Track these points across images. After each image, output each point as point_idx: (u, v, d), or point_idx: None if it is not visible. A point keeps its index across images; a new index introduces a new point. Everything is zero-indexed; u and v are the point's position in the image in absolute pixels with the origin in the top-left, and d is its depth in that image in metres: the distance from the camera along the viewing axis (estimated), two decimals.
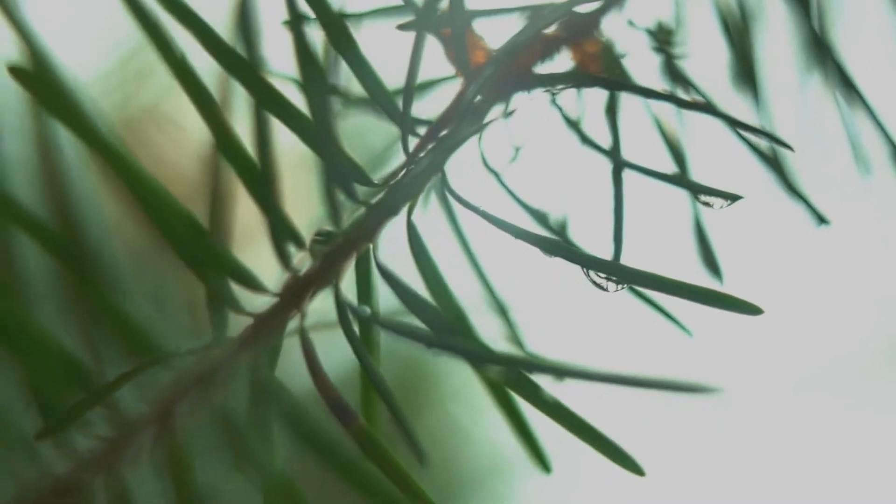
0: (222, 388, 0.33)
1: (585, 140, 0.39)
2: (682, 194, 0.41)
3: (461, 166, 0.39)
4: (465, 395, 0.92)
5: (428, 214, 0.39)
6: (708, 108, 0.37)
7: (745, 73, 0.43)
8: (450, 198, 0.37)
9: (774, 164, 0.40)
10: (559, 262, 0.38)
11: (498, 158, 0.40)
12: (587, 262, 0.35)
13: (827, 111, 0.45)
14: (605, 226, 0.39)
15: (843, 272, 0.99)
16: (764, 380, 1.01)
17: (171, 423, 0.33)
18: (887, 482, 0.98)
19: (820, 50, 0.43)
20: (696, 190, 0.36)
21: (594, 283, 0.36)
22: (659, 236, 0.42)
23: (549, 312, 0.45)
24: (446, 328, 0.33)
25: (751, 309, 0.34)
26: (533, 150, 0.41)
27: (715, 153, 0.43)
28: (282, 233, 0.33)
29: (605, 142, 0.40)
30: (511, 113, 0.38)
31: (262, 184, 0.33)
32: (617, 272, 0.35)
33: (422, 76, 0.41)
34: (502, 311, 0.37)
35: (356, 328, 0.34)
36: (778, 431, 1.01)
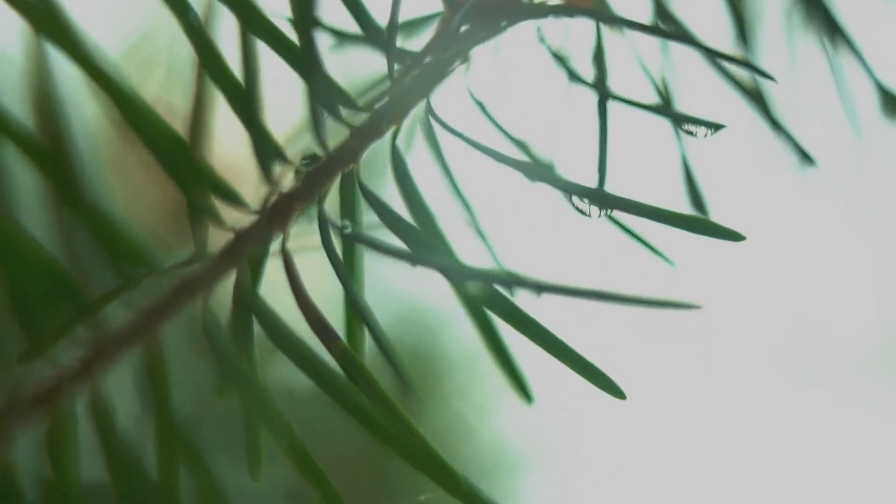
0: (204, 302, 0.33)
1: (571, 73, 0.39)
2: (667, 133, 0.41)
3: (447, 99, 0.39)
4: (468, 393, 0.92)
5: (413, 144, 0.39)
6: (691, 40, 0.37)
7: (735, 18, 0.43)
8: (434, 125, 0.37)
9: (759, 100, 0.40)
10: (541, 192, 0.38)
11: (484, 91, 0.40)
12: (569, 188, 0.35)
13: (816, 58, 0.44)
14: (590, 157, 0.39)
15: (844, 266, 0.99)
16: (762, 373, 1.01)
17: (153, 335, 0.33)
18: (886, 479, 0.98)
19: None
20: (680, 119, 0.36)
21: (577, 209, 0.36)
22: (644, 173, 0.42)
23: (530, 241, 0.44)
24: (427, 247, 0.33)
25: (733, 235, 0.34)
26: (519, 83, 0.41)
27: (701, 92, 0.43)
28: (266, 150, 0.33)
29: (590, 76, 0.40)
30: (497, 44, 0.38)
31: (247, 101, 0.33)
32: (597, 197, 0.35)
33: (412, 13, 0.41)
34: (482, 235, 0.37)
35: (338, 249, 0.34)
36: (776, 426, 1.01)
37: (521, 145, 0.39)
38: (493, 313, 0.34)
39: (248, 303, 0.33)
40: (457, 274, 0.34)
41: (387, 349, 0.34)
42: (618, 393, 0.35)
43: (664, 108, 0.37)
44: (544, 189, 0.38)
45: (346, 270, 0.35)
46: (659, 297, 0.31)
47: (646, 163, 0.44)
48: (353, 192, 0.35)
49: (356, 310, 0.35)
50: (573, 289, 0.32)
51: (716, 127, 0.36)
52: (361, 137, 0.35)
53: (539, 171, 0.35)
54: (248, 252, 0.33)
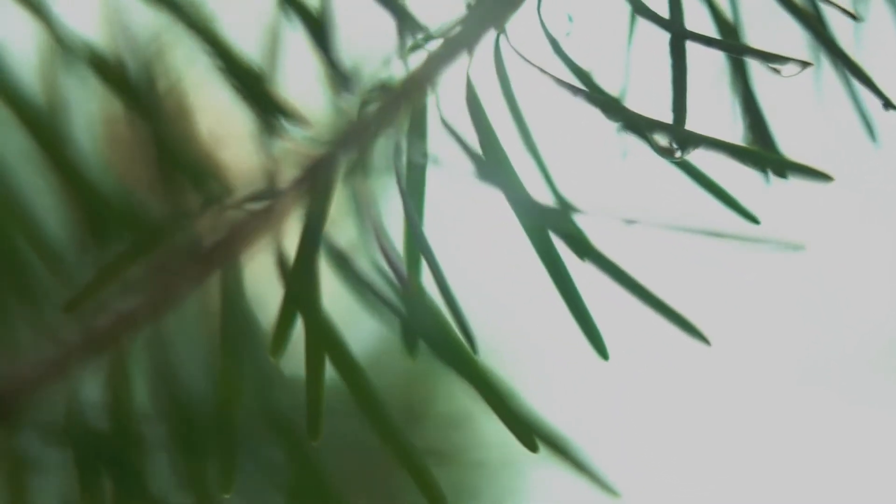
0: (275, 236, 0.32)
1: (642, 8, 0.38)
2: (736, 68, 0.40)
3: (517, 30, 0.38)
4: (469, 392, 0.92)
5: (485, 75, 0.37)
6: None
7: None
8: (506, 58, 0.36)
9: (840, 54, 0.39)
10: (609, 129, 0.36)
11: (554, 24, 0.39)
12: (651, 126, 0.34)
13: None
14: (658, 97, 0.38)
15: (852, 263, 0.98)
16: (768, 373, 1.01)
17: (231, 262, 0.32)
18: (889, 479, 0.98)
19: None
20: (765, 58, 0.35)
21: (658, 149, 0.35)
22: (706, 115, 0.41)
23: (597, 179, 0.43)
24: (497, 177, 0.32)
25: (822, 177, 0.32)
26: (588, 17, 0.40)
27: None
28: (339, 79, 0.32)
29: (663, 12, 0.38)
30: None
31: (321, 30, 0.32)
32: (682, 135, 0.34)
33: None
34: (546, 170, 0.36)
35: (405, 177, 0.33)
36: (781, 425, 1.00)
37: (591, 81, 0.38)
38: (562, 246, 0.33)
39: (318, 235, 0.32)
40: (524, 203, 0.33)
41: (446, 287, 0.33)
42: (703, 339, 0.33)
43: (747, 46, 0.36)
44: (616, 126, 0.36)
45: (414, 203, 0.33)
46: (756, 235, 0.30)
47: (705, 104, 0.43)
48: (424, 122, 0.34)
49: (419, 244, 0.34)
50: (657, 221, 0.31)
51: (804, 64, 0.35)
52: (435, 65, 0.34)
53: (618, 107, 0.34)
54: (319, 183, 0.32)
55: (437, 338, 0.32)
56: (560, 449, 0.31)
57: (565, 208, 0.33)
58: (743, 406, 0.98)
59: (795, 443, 0.99)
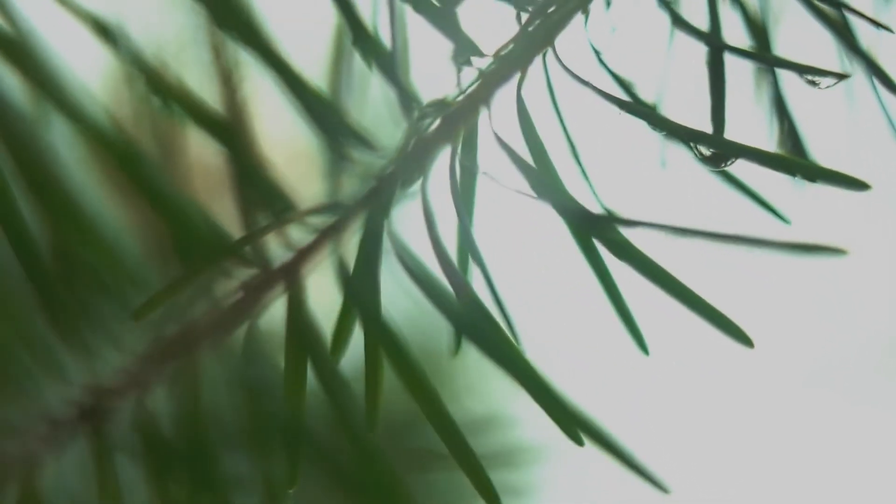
0: (341, 245, 0.34)
1: (681, 22, 0.39)
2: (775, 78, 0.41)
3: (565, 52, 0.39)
4: (480, 391, 0.92)
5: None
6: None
7: None
8: (554, 73, 0.37)
9: (870, 63, 0.40)
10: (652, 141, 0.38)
11: (599, 40, 0.40)
12: (694, 136, 0.36)
13: None
14: (696, 108, 0.40)
15: (856, 267, 0.98)
16: (772, 374, 1.00)
17: (298, 277, 0.34)
18: (893, 479, 0.98)
19: None
20: (802, 70, 0.36)
21: (701, 158, 0.36)
22: (740, 123, 0.42)
23: (641, 191, 0.45)
24: (546, 188, 0.34)
25: (858, 185, 0.34)
26: (631, 35, 0.41)
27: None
28: (406, 100, 0.34)
29: (701, 24, 0.40)
30: None
31: (389, 58, 0.34)
32: (725, 146, 0.35)
33: None
34: (591, 182, 0.37)
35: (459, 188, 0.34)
36: (785, 426, 1.00)
37: (633, 92, 0.39)
38: (608, 251, 0.35)
39: (378, 242, 0.33)
40: (570, 210, 0.34)
41: (498, 293, 0.35)
42: (747, 341, 0.35)
43: (785, 59, 0.37)
44: (659, 136, 0.38)
45: (466, 213, 0.35)
46: (796, 241, 0.31)
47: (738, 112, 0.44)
48: (476, 135, 0.36)
49: (470, 249, 0.36)
50: (697, 231, 0.32)
51: (840, 77, 0.36)
52: (490, 83, 0.36)
53: (662, 119, 0.36)
54: (380, 196, 0.34)
55: (486, 337, 0.34)
56: (606, 443, 0.32)
57: (608, 215, 0.35)
58: (748, 407, 0.99)
59: (800, 443, 0.99)
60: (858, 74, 0.41)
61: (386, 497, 0.30)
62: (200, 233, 0.33)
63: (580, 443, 0.36)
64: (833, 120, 0.43)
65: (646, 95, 0.41)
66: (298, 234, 0.34)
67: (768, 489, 0.97)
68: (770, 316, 0.96)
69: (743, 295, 0.93)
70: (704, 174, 0.40)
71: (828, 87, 0.37)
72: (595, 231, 0.34)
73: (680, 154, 0.39)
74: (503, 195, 0.36)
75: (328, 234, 0.34)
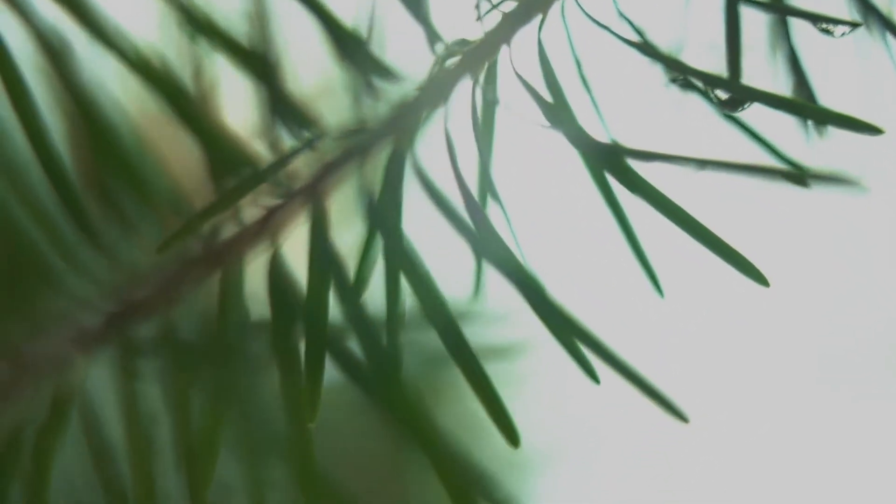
0: (365, 168, 0.35)
1: None
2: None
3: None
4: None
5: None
6: None
7: None
8: (572, 17, 0.38)
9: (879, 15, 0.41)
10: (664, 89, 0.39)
11: None
12: (712, 81, 0.37)
13: None
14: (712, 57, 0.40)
15: (866, 257, 0.98)
16: (782, 371, 1.00)
17: (322, 198, 0.35)
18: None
19: None
20: (816, 19, 0.37)
21: (718, 102, 0.37)
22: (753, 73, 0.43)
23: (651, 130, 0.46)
24: (563, 121, 0.35)
25: (871, 129, 0.35)
26: None
27: None
28: (430, 36, 0.35)
29: None
30: None
31: None
32: (741, 90, 0.36)
33: None
34: (604, 120, 0.38)
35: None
36: (792, 422, 1.00)
37: (647, 39, 0.40)
38: (621, 185, 0.35)
39: (402, 165, 0.35)
40: (585, 143, 0.35)
41: (507, 217, 0.36)
42: (763, 280, 0.35)
43: (800, 9, 0.38)
44: (675, 80, 0.39)
45: (486, 143, 0.36)
46: (813, 171, 0.32)
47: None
48: (496, 71, 0.37)
49: (486, 184, 0.37)
50: (712, 161, 0.33)
51: (853, 25, 0.37)
52: (511, 24, 0.37)
53: (680, 63, 0.37)
54: (408, 123, 0.35)
55: (503, 265, 0.35)
56: (626, 370, 0.33)
57: (621, 146, 0.36)
58: (755, 401, 0.98)
59: (807, 438, 0.98)
60: (870, 28, 0.42)
61: (408, 409, 0.32)
62: (235, 156, 0.35)
63: (597, 380, 0.37)
64: (846, 74, 0.44)
65: (663, 43, 0.42)
66: (325, 158, 0.36)
67: (773, 484, 0.97)
68: (778, 307, 0.96)
69: (748, 290, 0.92)
70: (717, 125, 0.41)
71: (842, 34, 0.38)
72: (607, 162, 0.35)
73: (694, 102, 0.40)
74: (521, 127, 0.37)
75: (353, 158, 0.36)
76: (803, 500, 0.96)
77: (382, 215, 0.34)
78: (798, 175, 0.32)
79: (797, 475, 0.97)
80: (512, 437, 0.38)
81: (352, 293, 0.34)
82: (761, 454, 0.97)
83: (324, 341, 0.34)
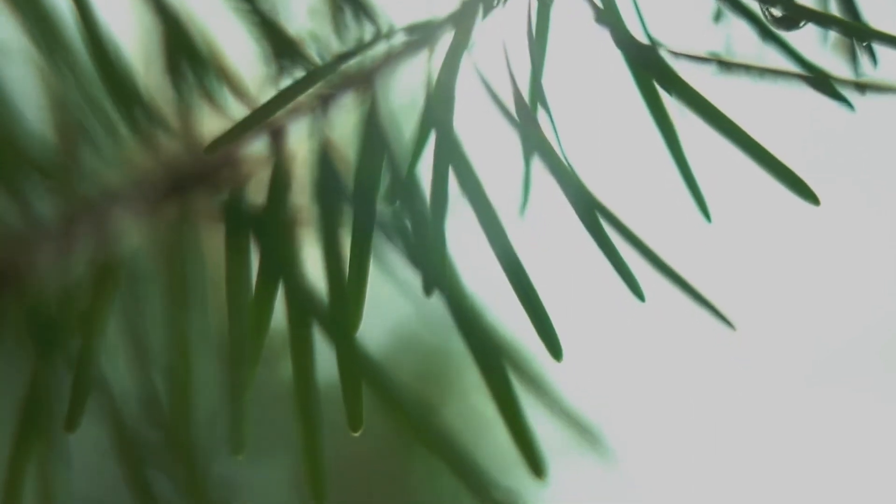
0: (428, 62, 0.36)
1: None
2: None
3: None
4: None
5: None
6: None
7: None
8: None
9: None
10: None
11: None
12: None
13: None
14: None
15: (857, 254, 0.97)
16: (777, 371, 0.99)
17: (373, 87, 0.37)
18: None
19: None
20: None
21: (773, 19, 0.38)
22: None
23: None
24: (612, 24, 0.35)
25: None
26: None
27: None
28: None
29: None
30: None
31: None
32: (797, 8, 0.36)
33: None
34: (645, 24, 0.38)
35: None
36: (788, 419, 0.99)
37: None
38: (664, 89, 0.36)
39: (457, 65, 0.36)
40: (632, 45, 0.36)
41: (557, 128, 0.36)
42: (813, 199, 0.35)
43: None
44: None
45: (539, 42, 0.37)
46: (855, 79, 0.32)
47: None
48: None
49: (538, 87, 0.37)
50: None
51: None
52: None
53: None
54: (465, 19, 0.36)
55: (553, 170, 0.36)
56: (677, 280, 0.34)
57: (663, 50, 0.36)
58: (750, 399, 0.97)
59: (803, 436, 0.98)
60: None
61: (449, 283, 0.33)
62: (293, 49, 0.36)
63: (642, 297, 0.37)
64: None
65: None
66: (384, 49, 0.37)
67: (769, 485, 0.97)
68: (773, 307, 0.95)
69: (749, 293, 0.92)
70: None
71: None
72: (652, 67, 0.36)
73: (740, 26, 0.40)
74: (573, 31, 0.37)
75: (412, 50, 0.37)
76: (801, 499, 0.96)
77: (436, 107, 0.35)
78: (848, 83, 0.32)
79: (795, 474, 0.96)
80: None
81: (400, 173, 0.35)
82: (758, 453, 0.97)
83: (372, 220, 0.35)
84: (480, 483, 0.39)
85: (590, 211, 0.36)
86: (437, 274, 0.33)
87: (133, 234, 0.40)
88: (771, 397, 0.98)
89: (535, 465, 0.39)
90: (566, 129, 0.39)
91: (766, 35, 0.39)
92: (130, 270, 0.38)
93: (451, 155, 0.36)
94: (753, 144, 0.36)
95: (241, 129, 0.37)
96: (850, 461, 0.97)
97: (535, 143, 0.36)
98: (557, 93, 0.38)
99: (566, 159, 0.37)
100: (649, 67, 0.37)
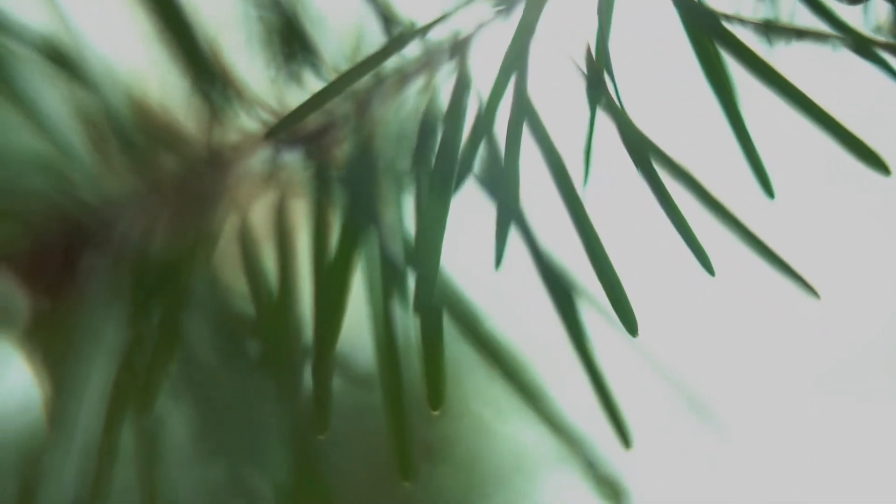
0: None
1: None
2: None
3: None
4: (488, 394, 0.90)
5: None
6: None
7: None
8: None
9: None
10: None
11: None
12: None
13: None
14: None
15: (863, 260, 0.97)
16: (782, 377, 0.99)
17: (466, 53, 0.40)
18: None
19: None
20: None
21: None
22: None
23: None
24: None
25: None
26: None
27: None
28: None
29: None
30: None
31: None
32: None
33: None
34: None
35: None
36: (798, 430, 0.99)
37: None
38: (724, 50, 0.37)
39: (532, 29, 0.38)
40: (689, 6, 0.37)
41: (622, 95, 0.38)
42: (885, 169, 0.34)
43: None
44: None
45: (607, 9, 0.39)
46: None
47: None
48: None
49: (604, 49, 0.39)
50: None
51: None
52: None
53: None
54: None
55: (621, 128, 0.38)
56: (758, 243, 0.35)
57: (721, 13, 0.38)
58: (759, 412, 0.97)
59: (805, 442, 0.97)
60: None
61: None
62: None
63: (712, 271, 0.37)
64: None
65: None
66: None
67: (771, 485, 0.97)
68: (776, 311, 0.95)
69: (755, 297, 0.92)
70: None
71: None
72: (710, 27, 0.37)
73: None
74: None
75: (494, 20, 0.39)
76: (803, 501, 0.96)
77: (512, 64, 0.38)
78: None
79: (797, 477, 0.96)
80: None
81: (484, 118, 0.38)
82: (762, 456, 0.97)
83: (455, 161, 0.37)
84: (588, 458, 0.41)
85: (654, 171, 0.38)
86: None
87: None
88: (778, 405, 0.98)
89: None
90: (631, 93, 0.41)
91: (813, 6, 0.41)
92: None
93: (524, 112, 0.38)
94: (819, 111, 0.36)
95: (331, 93, 0.39)
96: (856, 469, 0.97)
97: (605, 104, 0.38)
98: (622, 56, 0.40)
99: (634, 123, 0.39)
100: (709, 31, 0.39)
